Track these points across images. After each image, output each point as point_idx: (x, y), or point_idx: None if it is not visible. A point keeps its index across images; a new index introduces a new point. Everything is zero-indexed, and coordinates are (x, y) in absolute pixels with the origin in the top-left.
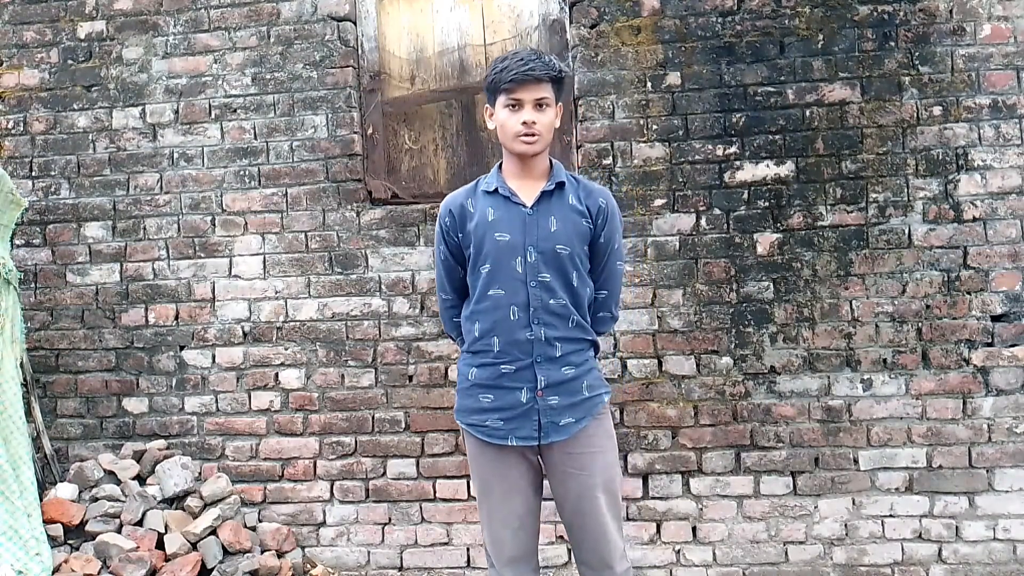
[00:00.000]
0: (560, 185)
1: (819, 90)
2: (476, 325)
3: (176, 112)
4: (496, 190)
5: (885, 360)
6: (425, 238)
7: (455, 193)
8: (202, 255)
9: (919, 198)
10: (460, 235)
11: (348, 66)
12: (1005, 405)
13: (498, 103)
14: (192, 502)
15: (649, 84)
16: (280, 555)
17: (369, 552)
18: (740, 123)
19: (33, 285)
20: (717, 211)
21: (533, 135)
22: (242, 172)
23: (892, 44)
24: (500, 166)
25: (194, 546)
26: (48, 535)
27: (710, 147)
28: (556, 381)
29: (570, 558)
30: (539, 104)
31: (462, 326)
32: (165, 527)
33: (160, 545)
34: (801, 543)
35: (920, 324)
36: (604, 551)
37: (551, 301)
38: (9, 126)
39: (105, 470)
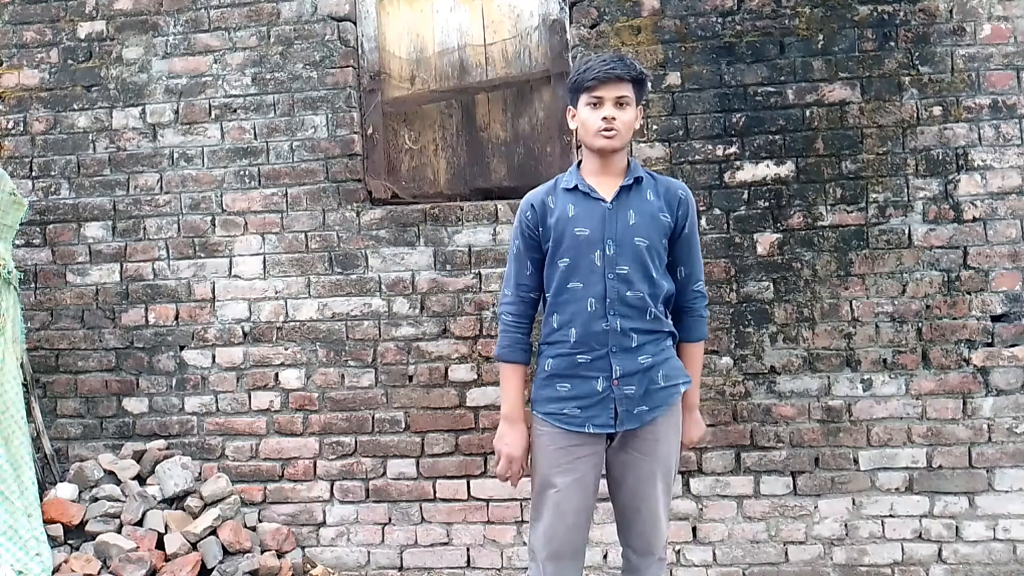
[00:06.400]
0: (638, 180)
1: (819, 90)
2: (555, 317)
3: (176, 112)
4: (576, 187)
5: (885, 360)
6: (425, 238)
7: (536, 190)
8: (202, 255)
9: (919, 198)
10: (540, 229)
11: (348, 66)
12: (1005, 405)
13: (580, 102)
14: (192, 502)
15: (649, 84)
16: (280, 555)
17: (369, 552)
18: (740, 123)
19: (33, 285)
20: (717, 211)
21: (612, 130)
22: (242, 172)
23: (892, 44)
24: (579, 164)
25: (194, 546)
26: (48, 535)
27: (710, 147)
28: (631, 371)
29: None
30: (619, 102)
31: (543, 320)
32: (165, 527)
33: (160, 545)
34: (801, 543)
35: (920, 324)
36: (652, 537)
37: (628, 293)
38: (9, 126)
39: (105, 470)
